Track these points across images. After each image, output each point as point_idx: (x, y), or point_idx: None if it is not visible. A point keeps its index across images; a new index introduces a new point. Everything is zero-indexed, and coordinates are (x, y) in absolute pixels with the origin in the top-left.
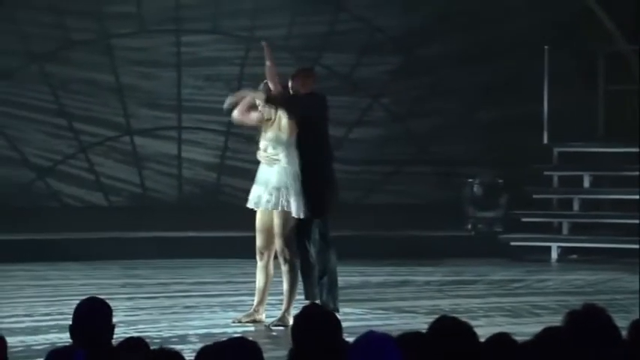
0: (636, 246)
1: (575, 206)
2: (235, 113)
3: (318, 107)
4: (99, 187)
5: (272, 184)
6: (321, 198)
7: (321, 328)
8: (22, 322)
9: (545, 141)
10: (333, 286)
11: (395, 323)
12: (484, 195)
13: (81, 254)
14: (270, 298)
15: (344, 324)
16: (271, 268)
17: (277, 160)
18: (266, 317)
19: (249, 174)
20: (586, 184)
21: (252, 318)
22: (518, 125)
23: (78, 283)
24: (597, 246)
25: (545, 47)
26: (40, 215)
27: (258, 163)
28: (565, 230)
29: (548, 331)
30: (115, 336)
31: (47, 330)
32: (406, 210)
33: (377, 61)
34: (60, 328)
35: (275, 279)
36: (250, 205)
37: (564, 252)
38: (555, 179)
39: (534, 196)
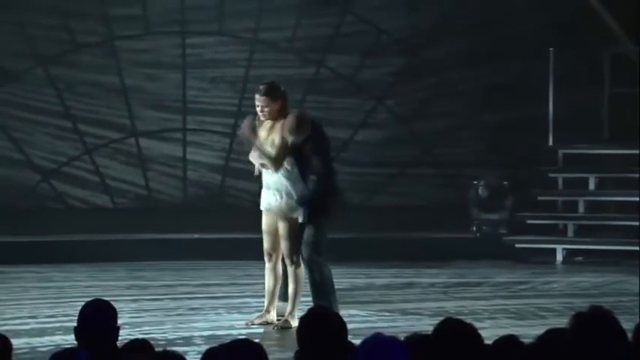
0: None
1: (581, 208)
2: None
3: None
4: (104, 189)
5: (276, 188)
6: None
7: (327, 330)
8: (27, 323)
9: (551, 143)
10: (330, 293)
11: (400, 325)
12: (489, 197)
13: (86, 256)
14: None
15: (348, 326)
16: (279, 270)
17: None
18: (277, 319)
19: (253, 176)
20: (591, 186)
21: (264, 320)
22: (523, 127)
23: (83, 285)
24: (602, 248)
25: (551, 49)
26: (45, 217)
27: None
28: (570, 232)
29: (551, 333)
30: (119, 338)
31: (52, 332)
32: (411, 212)
33: (381, 62)
34: (65, 330)
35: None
36: (262, 207)
37: (569, 254)
38: (560, 181)
39: (539, 198)
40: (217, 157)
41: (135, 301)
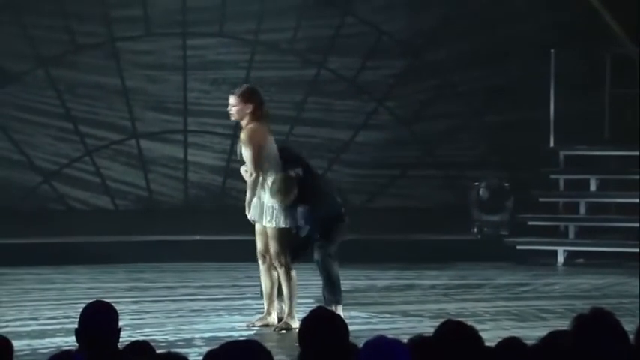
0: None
1: (582, 210)
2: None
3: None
4: (105, 191)
5: (263, 200)
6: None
7: (329, 331)
8: (29, 325)
9: (552, 144)
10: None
11: (401, 327)
12: (490, 198)
13: (87, 257)
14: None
15: (349, 327)
16: (274, 271)
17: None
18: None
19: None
20: (592, 187)
21: (264, 322)
22: (524, 128)
23: (84, 287)
24: (603, 250)
25: (552, 50)
26: (46, 219)
27: None
28: (571, 234)
29: (554, 335)
30: (120, 339)
31: (53, 333)
32: (412, 213)
33: (382, 64)
34: (66, 332)
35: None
36: (249, 217)
37: (570, 256)
38: (561, 183)
39: (540, 200)
40: (218, 158)
41: (136, 302)
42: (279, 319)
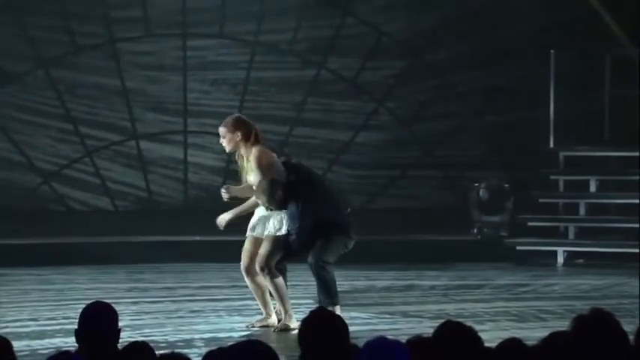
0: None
1: (582, 210)
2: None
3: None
4: (105, 192)
5: (262, 213)
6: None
7: (329, 332)
8: (28, 326)
9: (552, 145)
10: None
11: (401, 327)
12: (490, 199)
13: (86, 258)
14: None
15: (349, 328)
16: (260, 279)
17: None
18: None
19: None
20: (592, 188)
21: (264, 323)
22: (524, 129)
23: (83, 287)
24: (603, 250)
25: (552, 51)
26: (46, 219)
27: None
28: (571, 235)
29: (554, 336)
30: (120, 340)
31: (53, 334)
32: (412, 214)
33: (383, 65)
34: (65, 332)
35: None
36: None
37: (570, 256)
38: (561, 183)
39: (540, 201)
40: (218, 159)
41: (135, 303)
42: (278, 320)
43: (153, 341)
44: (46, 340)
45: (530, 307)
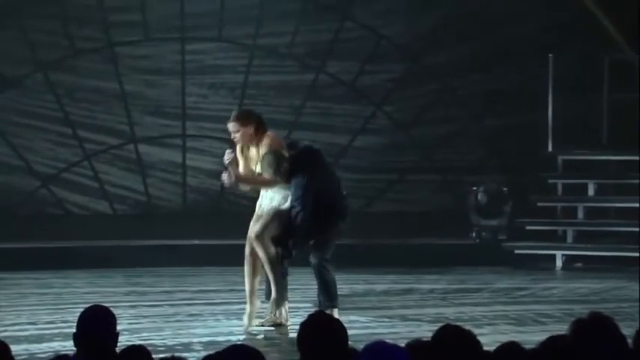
0: (638, 254)
1: (580, 214)
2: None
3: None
4: (103, 195)
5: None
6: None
7: (328, 336)
8: (26, 330)
9: (550, 149)
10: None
11: (399, 331)
12: (488, 203)
13: (85, 262)
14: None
15: (348, 332)
16: (259, 264)
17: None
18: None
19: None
20: (590, 192)
21: (272, 321)
22: (522, 133)
23: (82, 291)
24: (602, 254)
25: (550, 55)
26: (44, 223)
27: None
28: (569, 238)
29: (553, 340)
30: (118, 344)
31: (51, 338)
32: (410, 218)
33: (381, 68)
34: (64, 336)
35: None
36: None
37: (569, 260)
38: (560, 187)
39: (539, 204)
40: (217, 163)
41: (134, 307)
42: (278, 325)
43: (151, 345)
44: (45, 344)
45: (529, 311)
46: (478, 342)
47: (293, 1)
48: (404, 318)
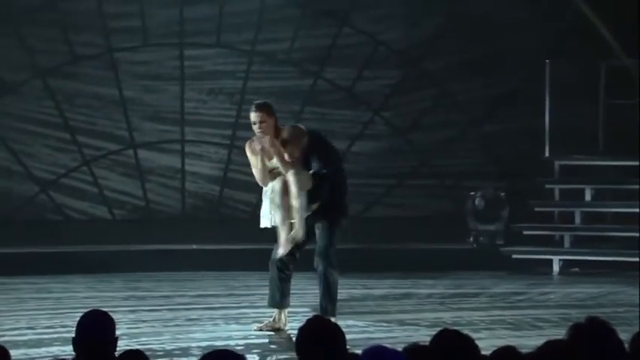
0: (638, 259)
1: (577, 219)
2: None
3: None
4: (102, 200)
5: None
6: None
7: (327, 340)
8: (25, 334)
9: (547, 154)
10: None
11: (397, 336)
12: (486, 208)
13: (84, 267)
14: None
15: (346, 336)
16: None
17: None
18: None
19: (251, 187)
20: (587, 197)
21: (272, 326)
22: (519, 138)
23: (81, 296)
24: (599, 259)
25: (547, 61)
26: (44, 228)
27: None
28: (567, 243)
29: (551, 344)
30: (117, 349)
31: (50, 343)
32: (408, 223)
33: (379, 74)
34: (63, 341)
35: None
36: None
37: (566, 265)
38: (557, 192)
39: (536, 209)
40: (215, 168)
41: (133, 311)
42: (277, 329)
43: (150, 350)
44: (44, 349)
45: (526, 316)
46: (476, 347)
47: (292, 7)
48: (402, 322)
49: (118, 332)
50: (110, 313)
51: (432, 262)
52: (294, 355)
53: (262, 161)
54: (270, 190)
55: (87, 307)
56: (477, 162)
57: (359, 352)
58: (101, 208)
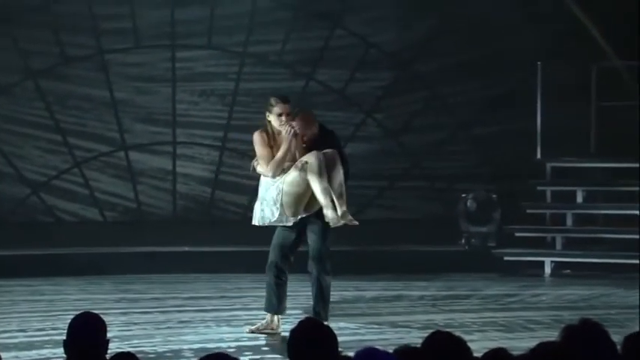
0: (629, 261)
1: (569, 221)
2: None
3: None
4: (93, 202)
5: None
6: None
7: (318, 342)
8: (16, 337)
9: (539, 156)
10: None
11: (389, 338)
12: (478, 210)
13: (75, 269)
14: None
15: (338, 338)
16: None
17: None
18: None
19: (243, 189)
20: (579, 199)
21: (266, 327)
22: (511, 140)
23: (72, 298)
24: (591, 261)
25: (539, 63)
26: (35, 230)
27: (251, 177)
28: (558, 245)
29: (543, 346)
30: (109, 351)
31: (41, 345)
32: (400, 225)
33: (371, 76)
34: (54, 344)
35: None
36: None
37: (558, 267)
38: (549, 194)
39: (528, 211)
40: (207, 170)
41: (124, 314)
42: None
43: (142, 352)
44: (35, 351)
45: (518, 318)
46: (469, 349)
47: (283, 9)
48: (393, 324)
49: (109, 335)
50: (102, 316)
51: (424, 264)
52: (286, 357)
53: (286, 149)
54: (275, 185)
55: (78, 310)
56: (468, 164)
57: (351, 354)
58: (92, 210)
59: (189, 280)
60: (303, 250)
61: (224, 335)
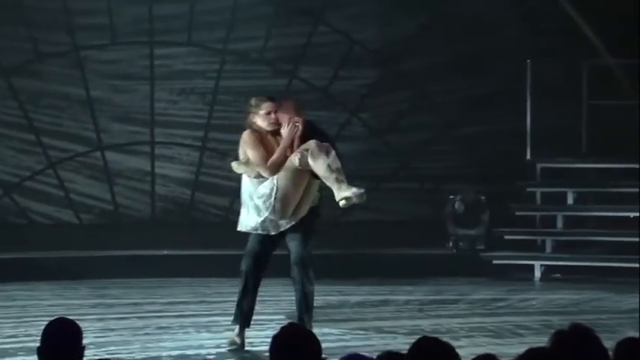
0: (622, 264)
1: (559, 223)
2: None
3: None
4: (69, 204)
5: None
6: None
7: (301, 349)
8: None
9: (529, 156)
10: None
11: (375, 344)
12: (466, 212)
13: (50, 273)
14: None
15: (322, 345)
16: None
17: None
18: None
19: (224, 190)
20: (570, 200)
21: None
22: (501, 140)
23: (46, 304)
24: (581, 264)
25: (528, 61)
26: (7, 233)
27: (232, 179)
28: (548, 248)
29: (532, 352)
30: (85, 358)
31: (14, 352)
32: (386, 227)
33: (355, 74)
34: (27, 351)
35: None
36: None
37: (547, 270)
38: (538, 196)
39: (517, 213)
40: (187, 171)
41: (101, 320)
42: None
43: (119, 359)
44: (7, 359)
45: (507, 323)
46: (456, 355)
47: (265, 5)
48: (379, 330)
49: (85, 341)
50: (77, 322)
51: (411, 267)
52: None
53: (285, 147)
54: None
55: (52, 315)
56: (457, 164)
57: None
58: (67, 212)
59: (168, 285)
60: (285, 254)
61: (204, 342)
